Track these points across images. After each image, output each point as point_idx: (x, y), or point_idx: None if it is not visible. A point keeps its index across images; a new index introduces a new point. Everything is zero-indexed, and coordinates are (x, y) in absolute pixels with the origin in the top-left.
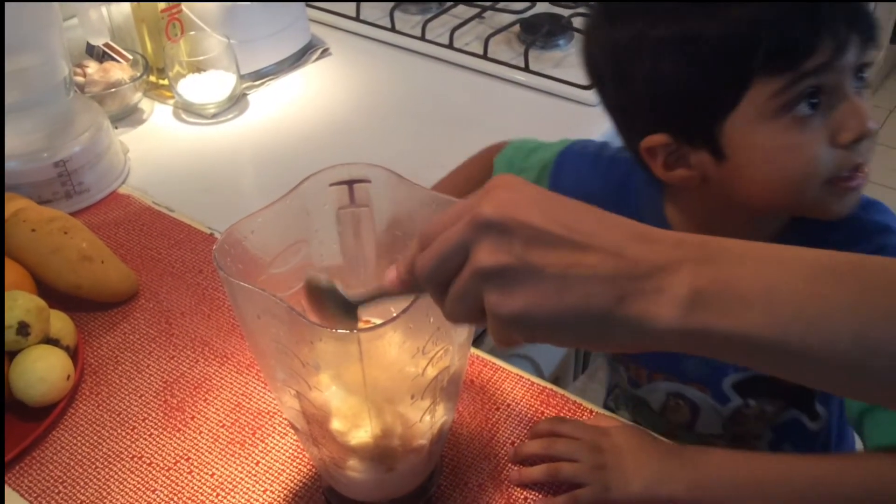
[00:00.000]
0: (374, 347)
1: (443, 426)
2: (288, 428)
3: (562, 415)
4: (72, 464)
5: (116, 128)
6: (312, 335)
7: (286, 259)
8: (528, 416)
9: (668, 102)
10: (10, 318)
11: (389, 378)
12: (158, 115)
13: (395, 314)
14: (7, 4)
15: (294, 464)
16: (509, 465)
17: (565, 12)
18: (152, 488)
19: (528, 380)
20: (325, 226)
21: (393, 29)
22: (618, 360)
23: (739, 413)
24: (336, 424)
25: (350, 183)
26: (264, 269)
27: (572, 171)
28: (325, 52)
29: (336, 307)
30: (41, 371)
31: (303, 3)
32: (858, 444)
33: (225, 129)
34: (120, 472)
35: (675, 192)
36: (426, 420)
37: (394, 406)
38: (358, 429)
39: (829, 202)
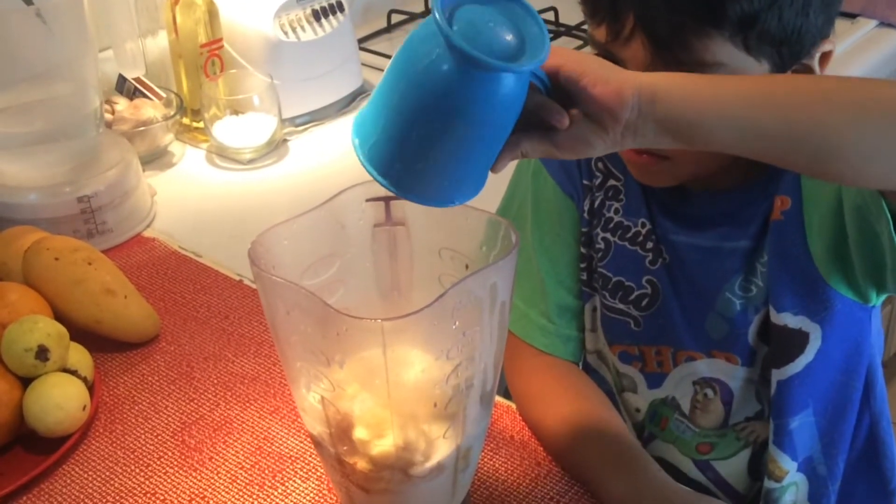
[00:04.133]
0: (399, 343)
1: (469, 453)
2: (310, 472)
3: None
4: (82, 497)
5: (144, 170)
6: (339, 325)
7: (318, 271)
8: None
9: None
10: (30, 341)
11: (412, 378)
12: (190, 158)
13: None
14: (40, 31)
15: None
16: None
17: None
18: None
19: None
20: (360, 242)
21: None
22: (642, 350)
23: (767, 369)
24: (359, 433)
25: (387, 200)
26: (296, 279)
27: None
28: None
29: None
30: (58, 398)
31: (355, 45)
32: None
33: (261, 176)
34: None
35: None
36: (450, 435)
37: (416, 416)
38: (380, 438)
39: (626, 161)
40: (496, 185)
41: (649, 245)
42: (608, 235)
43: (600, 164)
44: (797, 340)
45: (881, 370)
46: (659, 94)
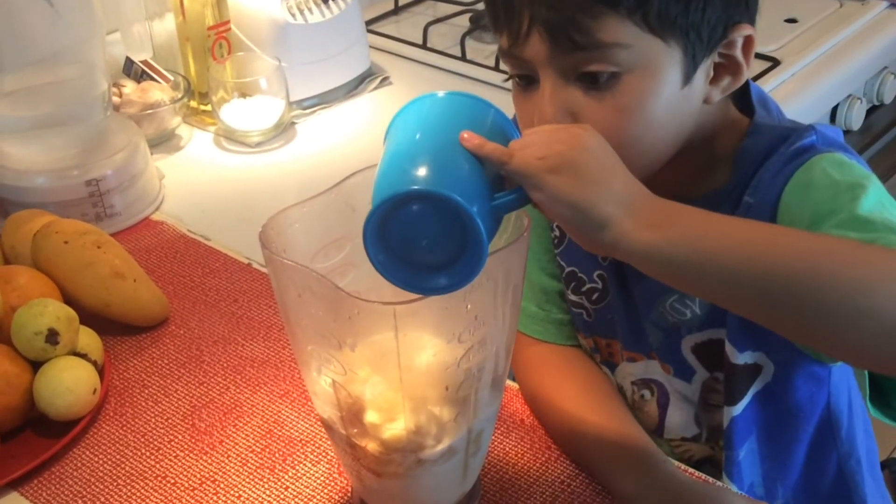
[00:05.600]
0: (410, 326)
1: (480, 436)
2: (320, 455)
3: None
4: (92, 480)
5: (152, 153)
6: (351, 308)
7: (328, 255)
8: None
9: None
10: (40, 325)
11: (424, 362)
12: (198, 141)
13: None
14: (47, 14)
15: (325, 491)
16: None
17: None
18: None
19: None
20: None
21: (464, 58)
22: (596, 341)
23: (709, 394)
24: (370, 417)
25: None
26: (307, 262)
27: None
28: (385, 81)
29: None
30: (68, 382)
31: (363, 28)
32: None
33: (269, 159)
34: (142, 491)
35: None
36: (461, 419)
37: (428, 399)
38: (392, 421)
39: None
40: None
41: None
42: None
43: None
44: (749, 374)
45: (853, 411)
46: (633, 261)
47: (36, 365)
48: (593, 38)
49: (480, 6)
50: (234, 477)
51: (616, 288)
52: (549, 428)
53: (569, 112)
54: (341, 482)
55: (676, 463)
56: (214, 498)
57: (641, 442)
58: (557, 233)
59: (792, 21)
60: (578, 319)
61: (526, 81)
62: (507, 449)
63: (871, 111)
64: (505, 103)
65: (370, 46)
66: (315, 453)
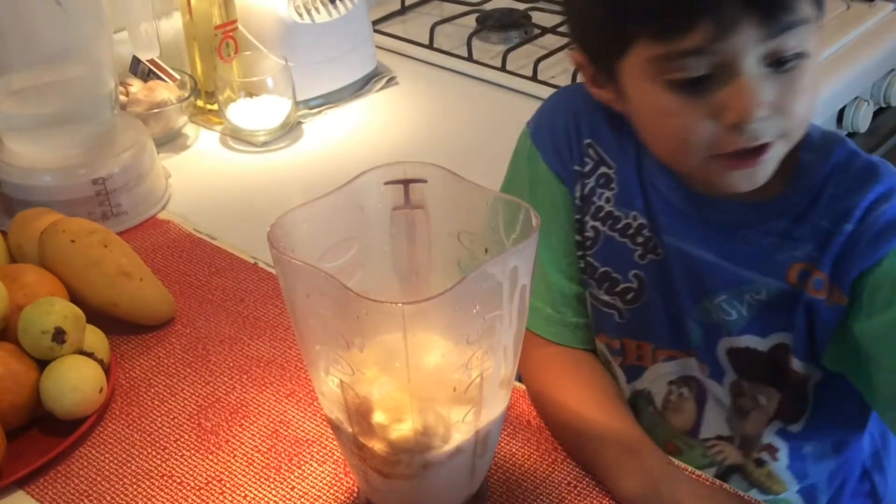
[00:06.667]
0: (419, 327)
1: (488, 437)
2: (326, 456)
3: None
4: (98, 479)
5: (158, 152)
6: (359, 308)
7: (336, 255)
8: None
9: (575, 27)
10: (47, 324)
11: (432, 362)
12: (204, 141)
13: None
14: (55, 12)
15: (331, 491)
16: None
17: None
18: None
19: None
20: (379, 225)
21: (470, 58)
22: (624, 343)
23: (740, 399)
24: (378, 417)
25: (405, 182)
26: (314, 262)
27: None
28: (392, 81)
29: None
30: (75, 380)
31: (369, 27)
32: None
33: (275, 159)
34: (148, 490)
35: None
36: (469, 420)
37: (436, 400)
38: (400, 422)
39: (715, 176)
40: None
41: (640, 239)
42: (598, 224)
43: (591, 151)
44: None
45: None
46: None
47: (42, 363)
48: (797, 15)
49: (487, 6)
50: (240, 476)
51: (656, 285)
52: (552, 428)
53: (769, 102)
54: (348, 482)
55: (681, 465)
56: (220, 497)
57: (644, 444)
58: (591, 234)
59: None
60: (609, 321)
61: (694, 87)
62: (514, 450)
63: (877, 113)
64: (510, 104)
65: (376, 46)
66: (321, 453)
